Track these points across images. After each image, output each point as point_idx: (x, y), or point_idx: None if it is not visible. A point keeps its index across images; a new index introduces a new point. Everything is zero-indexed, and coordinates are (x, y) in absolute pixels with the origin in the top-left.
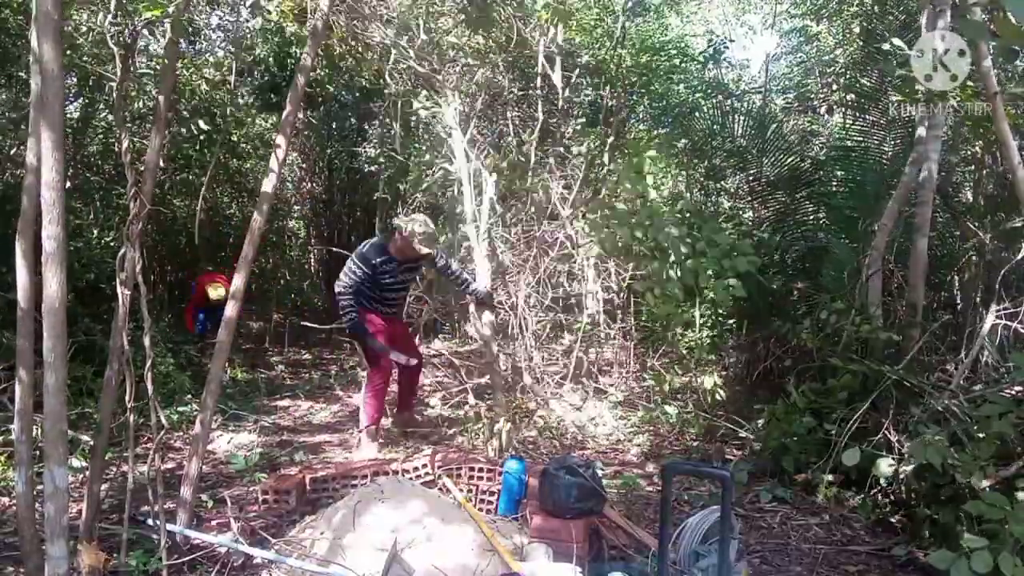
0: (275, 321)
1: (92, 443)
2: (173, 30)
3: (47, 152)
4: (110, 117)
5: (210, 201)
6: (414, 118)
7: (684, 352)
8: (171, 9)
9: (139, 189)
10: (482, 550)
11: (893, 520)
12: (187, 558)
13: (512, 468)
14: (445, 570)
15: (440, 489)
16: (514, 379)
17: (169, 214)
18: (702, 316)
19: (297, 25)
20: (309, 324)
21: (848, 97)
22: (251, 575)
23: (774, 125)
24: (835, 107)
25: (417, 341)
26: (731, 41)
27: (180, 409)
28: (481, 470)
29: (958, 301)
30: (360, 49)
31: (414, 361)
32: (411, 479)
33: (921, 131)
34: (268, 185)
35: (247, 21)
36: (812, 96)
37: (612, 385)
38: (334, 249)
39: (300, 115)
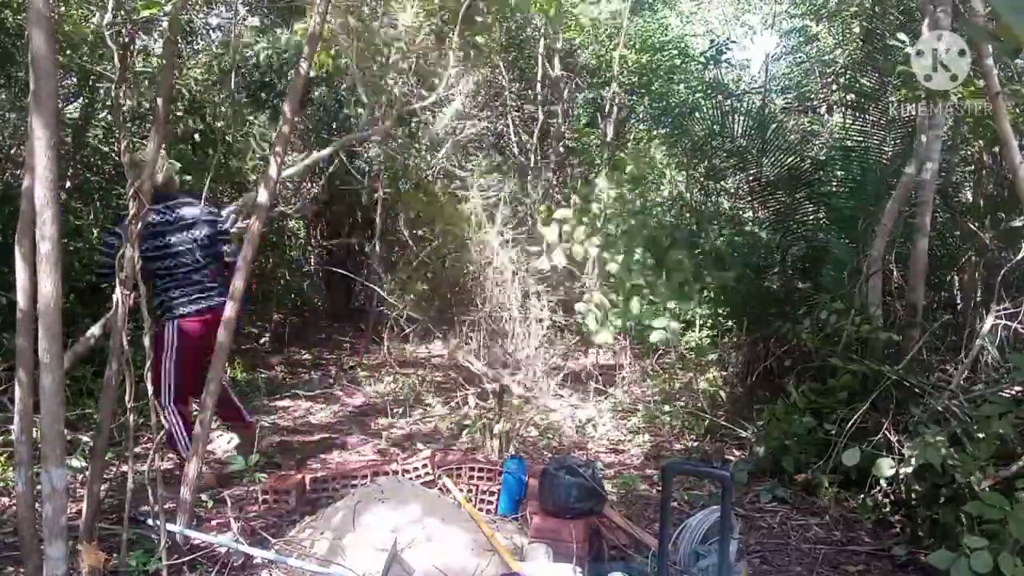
0: (275, 321)
1: (92, 443)
2: (171, 29)
3: (40, 150)
4: (110, 117)
5: (209, 202)
6: (415, 120)
7: (684, 352)
8: (168, 8)
9: (139, 189)
10: (482, 550)
11: (893, 520)
12: (187, 558)
13: (512, 468)
14: (445, 570)
15: (440, 489)
16: (514, 379)
17: None
18: (701, 317)
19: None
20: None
21: (848, 97)
22: (251, 575)
23: (774, 125)
24: (835, 107)
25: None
26: (733, 43)
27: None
28: (481, 470)
29: (958, 301)
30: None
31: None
32: (411, 479)
33: (921, 131)
34: (264, 196)
35: (244, 19)
36: (812, 96)
37: (612, 385)
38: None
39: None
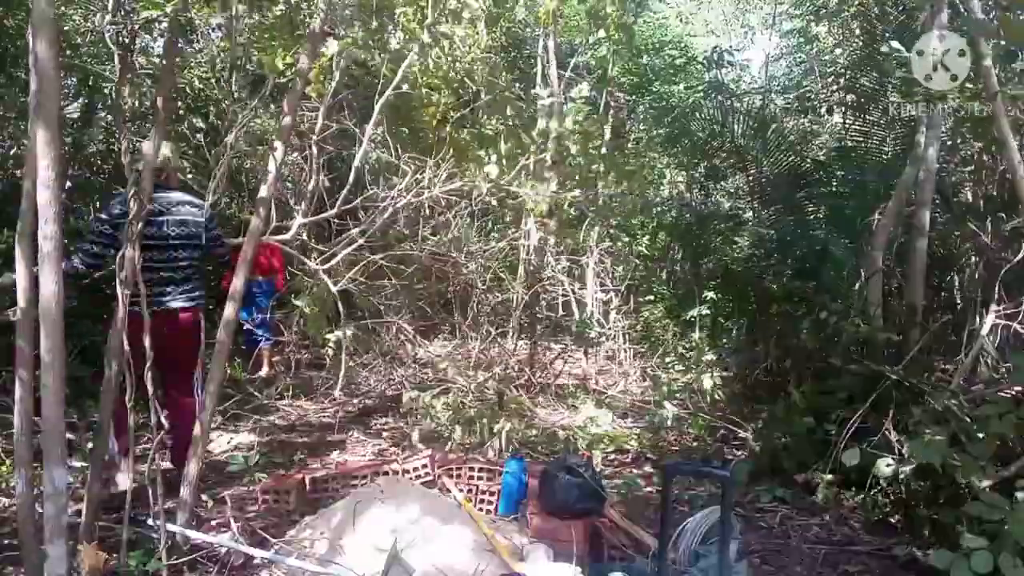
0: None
1: (92, 443)
2: (171, 30)
3: (42, 150)
4: (110, 117)
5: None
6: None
7: (684, 352)
8: (169, 8)
9: (139, 189)
10: (482, 550)
11: (893, 520)
12: (187, 558)
13: (512, 468)
14: (445, 570)
15: (440, 489)
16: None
17: None
18: (702, 317)
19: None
20: None
21: (848, 97)
22: (251, 575)
23: (774, 125)
24: (835, 107)
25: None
26: (736, 51)
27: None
28: (481, 470)
29: (958, 301)
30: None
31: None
32: (411, 479)
33: (921, 131)
34: (266, 191)
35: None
36: (812, 96)
37: (612, 385)
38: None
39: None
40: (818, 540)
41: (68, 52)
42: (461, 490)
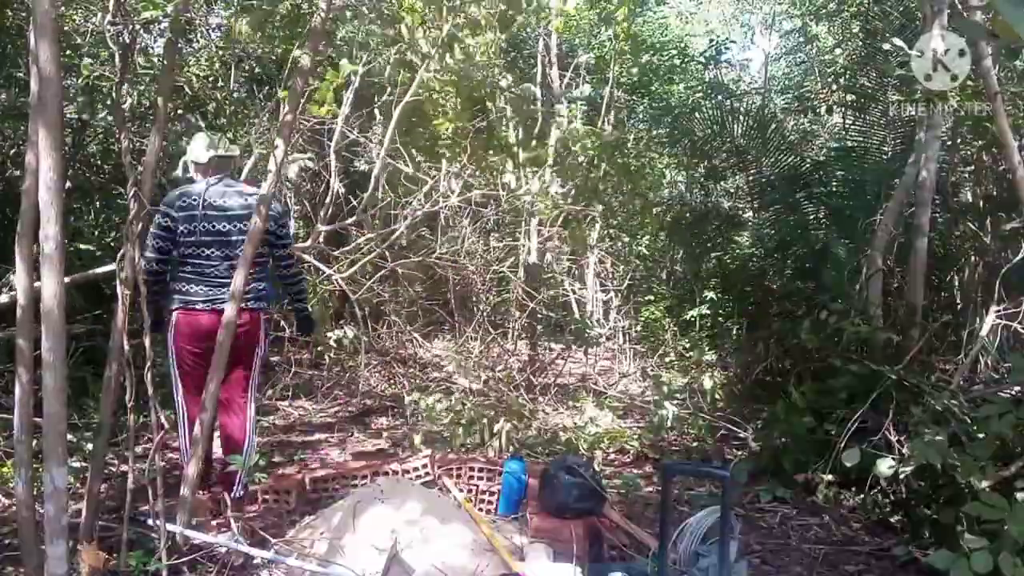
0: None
1: (92, 443)
2: (172, 30)
3: (44, 152)
4: (110, 117)
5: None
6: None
7: (684, 352)
8: (169, 9)
9: (139, 189)
10: (482, 550)
11: (893, 520)
12: (187, 558)
13: (512, 468)
14: (445, 570)
15: (440, 489)
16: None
17: None
18: (702, 317)
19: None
20: None
21: (848, 97)
22: (251, 575)
23: (774, 125)
24: (835, 107)
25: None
26: (732, 42)
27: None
28: (481, 470)
29: (958, 301)
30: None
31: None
32: (411, 479)
33: (921, 131)
34: (267, 187)
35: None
36: (812, 96)
37: (612, 385)
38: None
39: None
40: (818, 540)
41: (68, 52)
42: (461, 490)
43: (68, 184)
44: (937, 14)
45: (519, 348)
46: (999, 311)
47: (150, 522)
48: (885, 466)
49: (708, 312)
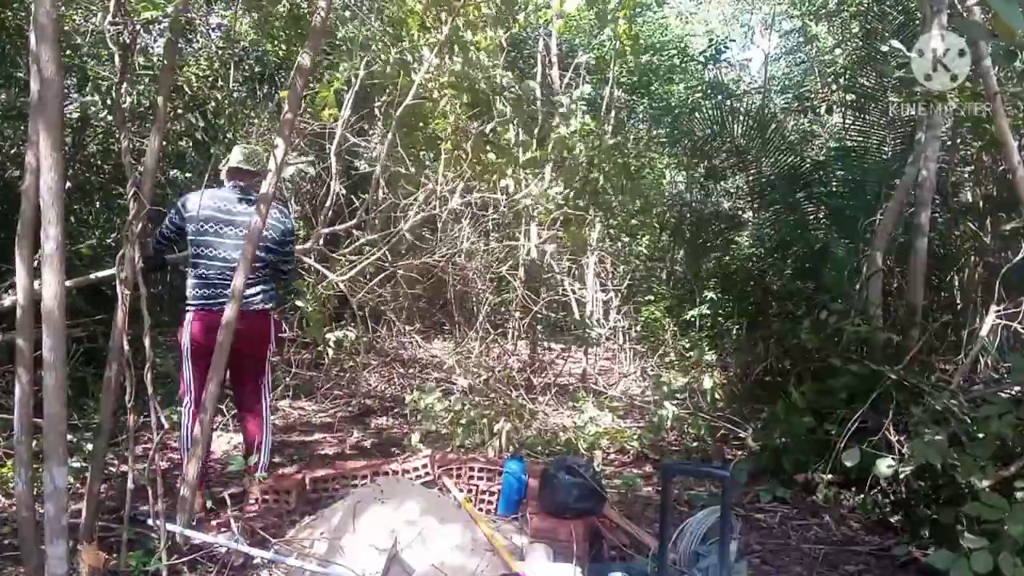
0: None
1: (92, 443)
2: (172, 30)
3: (45, 152)
4: (110, 117)
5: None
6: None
7: (684, 352)
8: (170, 9)
9: (139, 189)
10: (482, 550)
11: (893, 520)
12: (187, 558)
13: (512, 468)
14: (445, 570)
15: (440, 489)
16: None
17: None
18: (702, 317)
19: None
20: None
21: (848, 97)
22: (251, 575)
23: (774, 125)
24: (835, 107)
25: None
26: (732, 41)
27: (180, 409)
28: (481, 470)
29: (958, 301)
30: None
31: None
32: (411, 479)
33: (921, 131)
34: (267, 186)
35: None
36: (812, 96)
37: (612, 385)
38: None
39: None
40: (818, 540)
41: (68, 52)
42: (461, 490)
43: (68, 184)
44: (937, 14)
45: (519, 348)
46: (999, 311)
47: (150, 522)
48: (885, 466)
49: (708, 312)
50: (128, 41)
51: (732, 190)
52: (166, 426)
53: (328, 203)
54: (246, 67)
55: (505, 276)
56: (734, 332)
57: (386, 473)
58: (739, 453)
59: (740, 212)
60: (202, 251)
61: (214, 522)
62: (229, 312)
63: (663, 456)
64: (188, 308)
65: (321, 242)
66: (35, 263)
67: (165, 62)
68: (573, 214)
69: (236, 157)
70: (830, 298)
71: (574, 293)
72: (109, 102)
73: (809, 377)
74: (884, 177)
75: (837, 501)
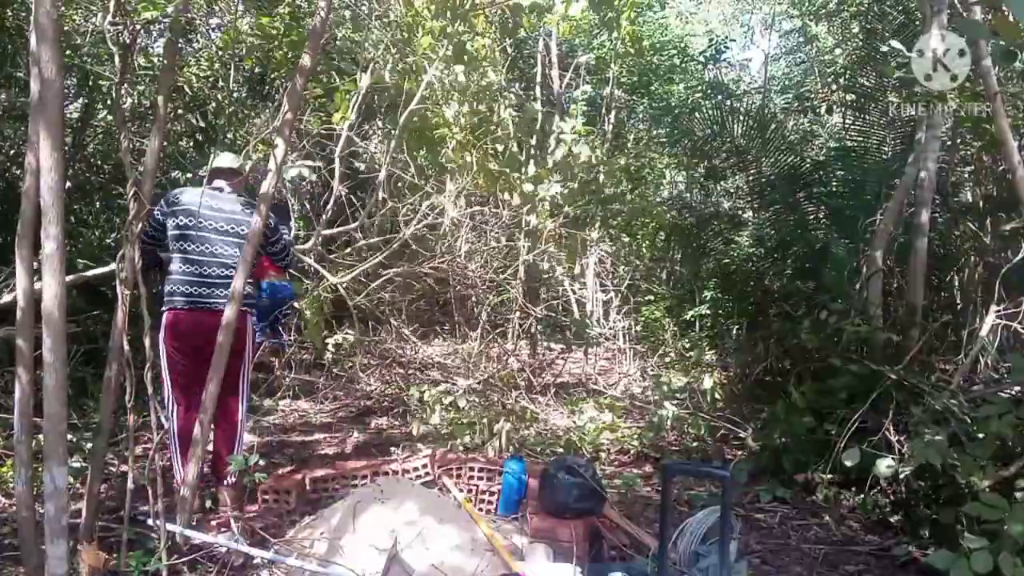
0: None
1: (92, 443)
2: (172, 30)
3: (45, 153)
4: (110, 117)
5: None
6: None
7: (684, 352)
8: (170, 9)
9: (139, 189)
10: (482, 550)
11: (893, 520)
12: (187, 558)
13: (512, 468)
14: (445, 570)
15: (440, 489)
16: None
17: None
18: (702, 317)
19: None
20: None
21: (848, 97)
22: (251, 575)
23: (774, 125)
24: (835, 107)
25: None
26: (732, 40)
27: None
28: (481, 470)
29: (958, 301)
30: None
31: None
32: (411, 479)
33: (921, 132)
34: (267, 186)
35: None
36: (812, 96)
37: (612, 385)
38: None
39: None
40: (818, 540)
41: (68, 52)
42: (461, 490)
43: (68, 184)
44: (937, 14)
45: (519, 348)
46: (999, 311)
47: (150, 522)
48: (885, 466)
49: (708, 312)
50: (128, 41)
51: (732, 190)
52: (166, 426)
53: (330, 205)
54: (246, 67)
55: (506, 275)
56: (734, 332)
57: (386, 473)
58: (739, 453)
59: (740, 212)
60: (183, 247)
61: (214, 522)
62: (229, 312)
63: (663, 456)
64: (165, 308)
65: (319, 245)
66: (35, 263)
67: (165, 62)
68: (567, 224)
69: (220, 159)
70: (830, 298)
71: (574, 293)
72: (109, 102)
73: (809, 377)
74: (884, 177)
75: (837, 501)
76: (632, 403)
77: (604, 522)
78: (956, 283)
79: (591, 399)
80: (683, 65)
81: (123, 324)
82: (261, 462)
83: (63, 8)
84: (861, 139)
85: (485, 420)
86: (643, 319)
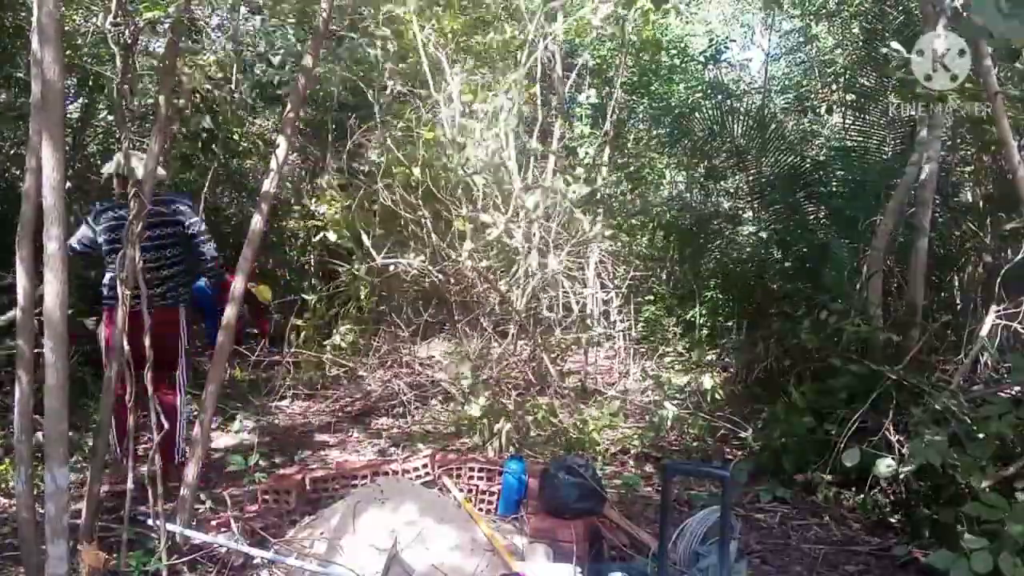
0: (275, 321)
1: (92, 443)
2: (174, 30)
3: (47, 153)
4: (110, 117)
5: (210, 201)
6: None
7: (684, 352)
8: (171, 9)
9: (139, 189)
10: (482, 550)
11: (893, 520)
12: (187, 558)
13: (512, 468)
14: (445, 570)
15: (440, 489)
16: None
17: None
18: (702, 317)
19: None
20: None
21: (848, 97)
22: (251, 575)
23: (774, 125)
24: (835, 107)
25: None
26: (732, 41)
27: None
28: (481, 470)
29: (958, 301)
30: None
31: None
32: (411, 479)
33: (921, 131)
34: (269, 185)
35: (247, 20)
36: (812, 96)
37: (612, 384)
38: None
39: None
40: (818, 540)
41: (69, 52)
42: (461, 490)
43: (68, 184)
44: (937, 14)
45: (519, 348)
46: (999, 311)
47: (150, 522)
48: (885, 466)
49: (708, 312)
50: (129, 41)
51: (732, 190)
52: (166, 426)
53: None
54: (257, 71)
55: (505, 275)
56: (734, 332)
57: (386, 473)
58: (739, 453)
59: (740, 212)
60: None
61: (214, 522)
62: (229, 312)
63: (663, 456)
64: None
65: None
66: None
67: (167, 62)
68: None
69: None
70: (830, 298)
71: (575, 293)
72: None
73: (809, 377)
74: (884, 177)
75: (837, 501)
76: (632, 403)
77: (604, 522)
78: (956, 283)
79: (591, 399)
80: (683, 65)
81: (123, 324)
82: (262, 462)
83: (63, 8)
84: (861, 139)
85: (485, 420)
86: (643, 319)
